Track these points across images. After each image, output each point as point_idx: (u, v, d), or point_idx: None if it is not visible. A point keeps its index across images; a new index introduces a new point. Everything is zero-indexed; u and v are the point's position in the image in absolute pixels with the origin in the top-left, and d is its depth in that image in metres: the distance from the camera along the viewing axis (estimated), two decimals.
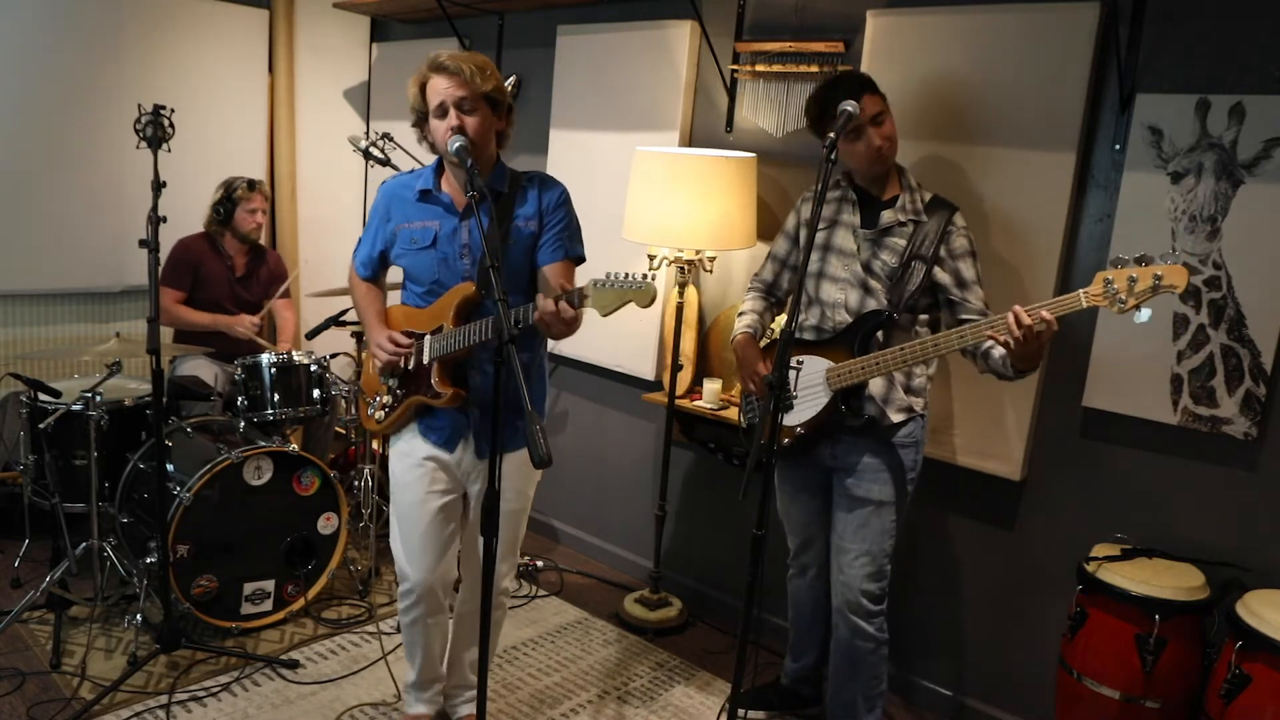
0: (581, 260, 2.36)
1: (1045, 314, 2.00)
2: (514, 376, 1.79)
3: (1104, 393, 2.55)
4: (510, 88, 3.98)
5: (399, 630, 2.82)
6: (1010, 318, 2.03)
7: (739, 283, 3.33)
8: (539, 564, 3.78)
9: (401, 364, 2.34)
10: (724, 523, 3.50)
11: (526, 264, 2.29)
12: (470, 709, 2.66)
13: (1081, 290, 1.99)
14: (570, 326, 2.04)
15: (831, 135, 2.08)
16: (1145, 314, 1.95)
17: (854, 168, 2.44)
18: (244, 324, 3.63)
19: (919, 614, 2.98)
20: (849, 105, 2.19)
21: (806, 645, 2.83)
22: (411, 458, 2.38)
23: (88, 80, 3.83)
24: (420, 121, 2.25)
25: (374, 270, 2.45)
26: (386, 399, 2.41)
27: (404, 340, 2.32)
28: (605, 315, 2.00)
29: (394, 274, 2.50)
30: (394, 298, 2.57)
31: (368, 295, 2.47)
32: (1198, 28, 2.36)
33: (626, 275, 1.96)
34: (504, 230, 2.24)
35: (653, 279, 1.97)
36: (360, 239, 2.46)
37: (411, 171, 2.41)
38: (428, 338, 2.30)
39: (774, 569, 3.27)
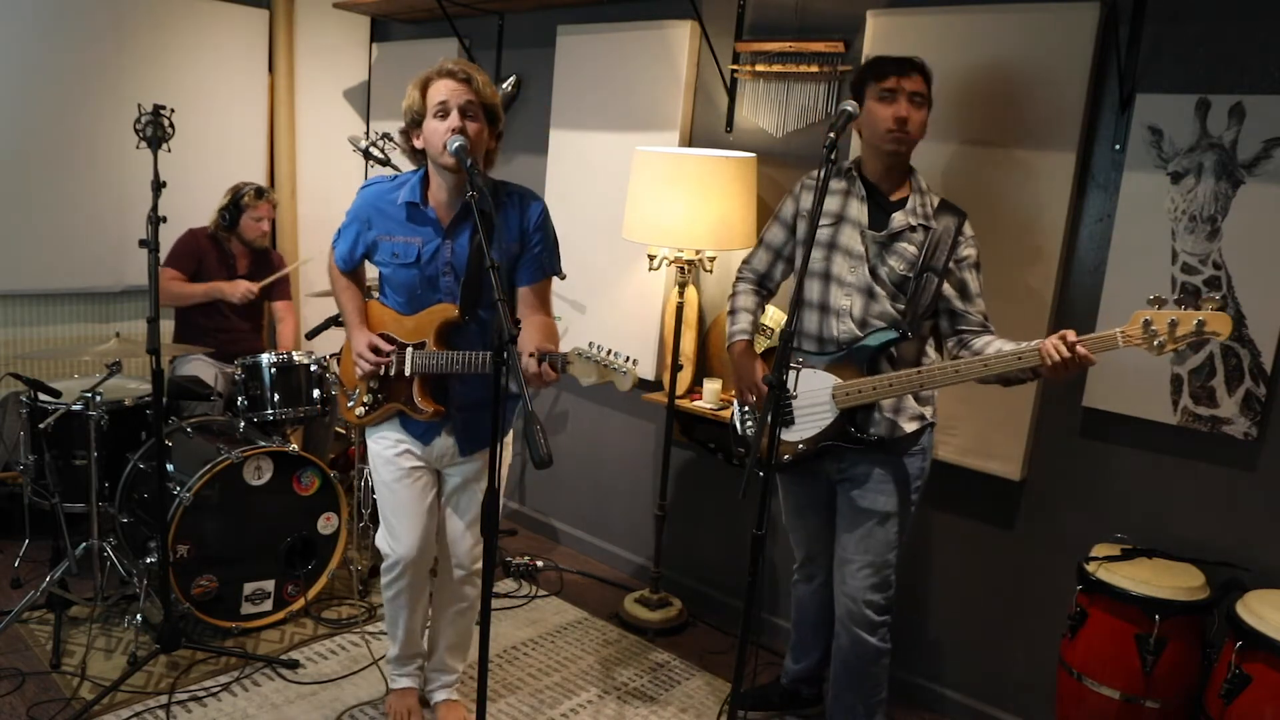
0: (559, 275, 2.40)
1: (1083, 351, 1.98)
2: (516, 377, 1.80)
3: (1104, 393, 2.55)
4: (510, 88, 3.98)
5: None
6: (1049, 347, 2.01)
7: None
8: (539, 564, 3.78)
9: (382, 370, 2.38)
10: (724, 523, 3.50)
11: (506, 280, 2.32)
12: (446, 694, 2.71)
13: (1119, 330, 1.97)
14: (546, 384, 2.10)
15: (831, 135, 2.07)
16: (1184, 354, 1.93)
17: (869, 140, 2.35)
18: (241, 288, 3.63)
19: (919, 614, 2.98)
20: (849, 105, 2.19)
21: (809, 647, 2.81)
22: (388, 439, 2.45)
23: (88, 80, 3.83)
24: (413, 125, 2.23)
25: (354, 266, 2.49)
26: (366, 397, 2.45)
27: (385, 347, 2.36)
28: (585, 384, 2.07)
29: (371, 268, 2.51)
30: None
31: (348, 289, 2.50)
32: (1198, 28, 2.36)
33: (611, 353, 2.03)
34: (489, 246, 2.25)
35: (635, 364, 2.03)
36: (340, 231, 2.47)
37: (393, 179, 2.39)
38: (410, 350, 2.32)
39: (774, 569, 3.27)
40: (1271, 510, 2.34)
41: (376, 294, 2.49)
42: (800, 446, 2.40)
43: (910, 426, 2.37)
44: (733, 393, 3.25)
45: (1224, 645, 2.17)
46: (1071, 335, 2.01)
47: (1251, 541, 2.37)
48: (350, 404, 2.50)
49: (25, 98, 3.69)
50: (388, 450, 2.44)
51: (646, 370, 3.58)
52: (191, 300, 3.63)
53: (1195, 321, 1.89)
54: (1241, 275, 2.32)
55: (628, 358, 2.02)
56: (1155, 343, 1.92)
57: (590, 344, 2.04)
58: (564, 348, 2.12)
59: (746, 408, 2.59)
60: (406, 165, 2.41)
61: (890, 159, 2.34)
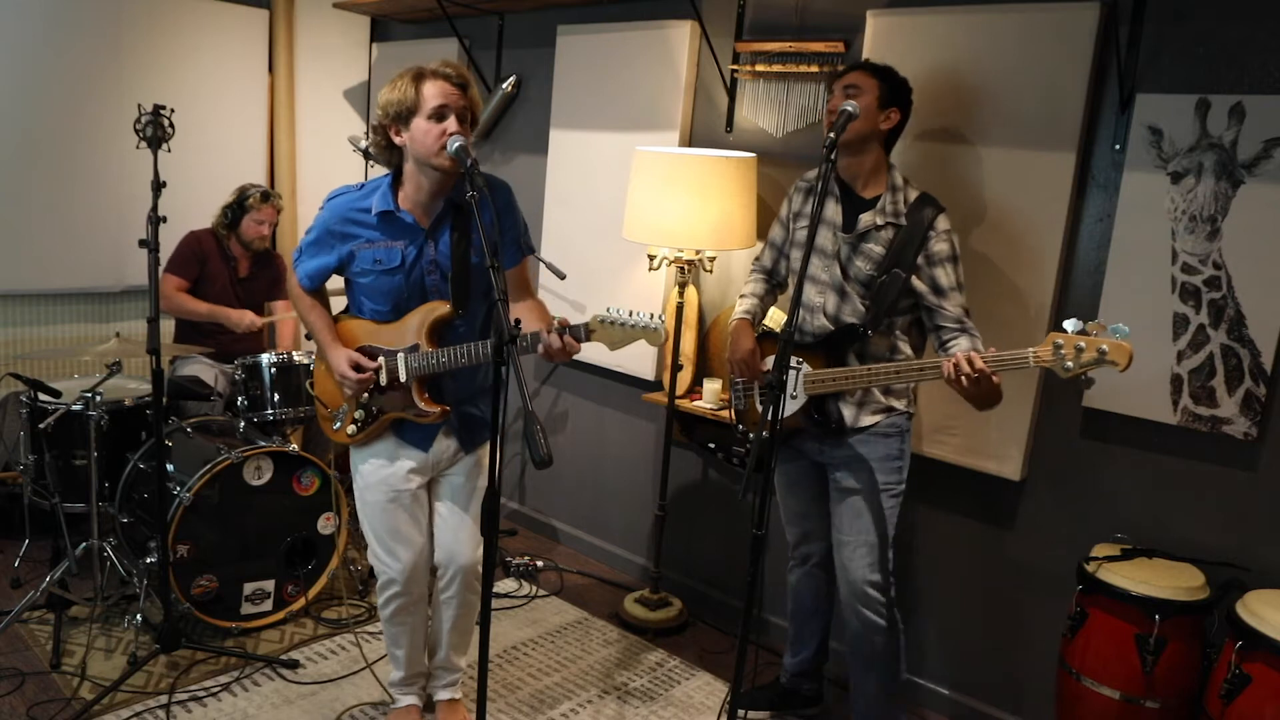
0: (532, 251, 2.39)
1: (980, 365, 2.08)
2: (517, 376, 1.80)
3: (1104, 393, 2.55)
4: (510, 88, 3.98)
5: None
6: (948, 365, 2.11)
7: (739, 282, 3.33)
8: (539, 564, 3.78)
9: (370, 384, 2.33)
10: (724, 523, 3.50)
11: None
12: (450, 693, 2.69)
13: (1031, 350, 2.06)
14: (570, 357, 2.08)
15: (831, 135, 2.08)
16: (1089, 381, 2.04)
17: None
18: (246, 320, 3.64)
19: (919, 614, 2.98)
20: (849, 106, 2.20)
21: (806, 637, 2.82)
22: (380, 459, 2.40)
23: (88, 80, 3.83)
24: (398, 120, 2.16)
25: (320, 283, 2.42)
26: (358, 414, 2.38)
27: (367, 363, 2.31)
28: (613, 350, 2.01)
29: (333, 281, 2.44)
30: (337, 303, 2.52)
31: (315, 308, 2.43)
32: (1198, 28, 2.36)
33: (634, 313, 1.98)
34: (469, 241, 2.25)
35: (661, 320, 1.97)
36: (302, 248, 2.38)
37: (360, 187, 2.33)
38: (402, 355, 2.28)
39: (774, 569, 3.27)
40: (1271, 510, 2.34)
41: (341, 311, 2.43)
42: None
43: (871, 420, 2.44)
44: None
45: (1224, 645, 2.17)
46: (978, 360, 2.09)
47: (1251, 542, 2.37)
48: (337, 425, 2.41)
49: (25, 98, 3.69)
50: (380, 470, 2.40)
51: (646, 370, 3.58)
52: (193, 317, 3.64)
53: (1098, 349, 1.98)
54: (1241, 275, 2.32)
55: (652, 314, 1.97)
56: (1062, 365, 2.01)
57: (608, 308, 1.99)
58: None
59: (739, 382, 2.64)
60: None
61: (842, 150, 2.36)
